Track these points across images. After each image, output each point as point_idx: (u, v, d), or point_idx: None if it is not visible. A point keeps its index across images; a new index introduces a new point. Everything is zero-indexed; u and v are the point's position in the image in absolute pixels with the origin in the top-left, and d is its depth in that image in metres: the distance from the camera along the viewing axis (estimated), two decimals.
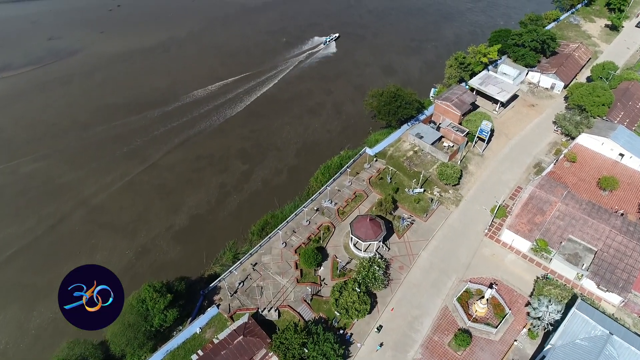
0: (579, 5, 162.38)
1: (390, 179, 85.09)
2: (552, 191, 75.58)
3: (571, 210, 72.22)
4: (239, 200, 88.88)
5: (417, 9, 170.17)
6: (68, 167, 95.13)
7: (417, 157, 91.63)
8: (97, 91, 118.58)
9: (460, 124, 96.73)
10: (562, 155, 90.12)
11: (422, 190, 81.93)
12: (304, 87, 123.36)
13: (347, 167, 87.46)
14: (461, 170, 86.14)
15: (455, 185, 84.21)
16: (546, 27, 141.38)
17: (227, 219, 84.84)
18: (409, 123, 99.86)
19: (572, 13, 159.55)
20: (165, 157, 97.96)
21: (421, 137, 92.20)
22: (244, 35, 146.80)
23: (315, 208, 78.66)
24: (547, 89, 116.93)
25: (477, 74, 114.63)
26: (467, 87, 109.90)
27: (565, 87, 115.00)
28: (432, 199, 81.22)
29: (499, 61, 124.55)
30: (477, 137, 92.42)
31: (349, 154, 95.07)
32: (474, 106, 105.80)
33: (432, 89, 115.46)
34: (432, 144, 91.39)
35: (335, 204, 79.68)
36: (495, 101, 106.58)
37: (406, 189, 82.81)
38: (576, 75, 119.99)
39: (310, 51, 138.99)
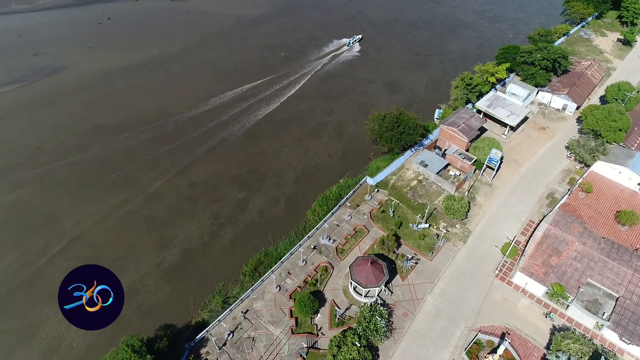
0: (590, 19, 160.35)
1: (393, 212, 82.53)
2: (567, 228, 72.86)
3: (589, 250, 69.48)
4: (233, 233, 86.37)
5: (422, 21, 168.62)
6: (51, 196, 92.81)
7: (421, 187, 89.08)
8: (84, 112, 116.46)
9: (467, 150, 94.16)
10: (577, 185, 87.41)
11: (427, 225, 79.33)
12: (305, 107, 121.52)
13: (347, 198, 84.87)
14: (469, 203, 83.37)
15: (462, 219, 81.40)
16: (556, 42, 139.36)
17: (219, 255, 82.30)
18: (412, 149, 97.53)
19: (583, 27, 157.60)
20: (157, 185, 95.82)
21: (426, 166, 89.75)
22: (241, 50, 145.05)
23: (312, 246, 76.10)
24: (558, 110, 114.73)
25: (484, 94, 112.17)
26: (474, 110, 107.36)
27: (577, 108, 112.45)
28: (438, 235, 78.50)
29: (507, 79, 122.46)
30: (486, 165, 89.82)
31: (349, 182, 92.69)
32: (482, 129, 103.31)
33: (437, 111, 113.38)
34: (438, 173, 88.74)
35: (334, 241, 77.07)
36: (504, 124, 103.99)
37: (410, 224, 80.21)
38: (589, 94, 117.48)
39: (310, 68, 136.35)
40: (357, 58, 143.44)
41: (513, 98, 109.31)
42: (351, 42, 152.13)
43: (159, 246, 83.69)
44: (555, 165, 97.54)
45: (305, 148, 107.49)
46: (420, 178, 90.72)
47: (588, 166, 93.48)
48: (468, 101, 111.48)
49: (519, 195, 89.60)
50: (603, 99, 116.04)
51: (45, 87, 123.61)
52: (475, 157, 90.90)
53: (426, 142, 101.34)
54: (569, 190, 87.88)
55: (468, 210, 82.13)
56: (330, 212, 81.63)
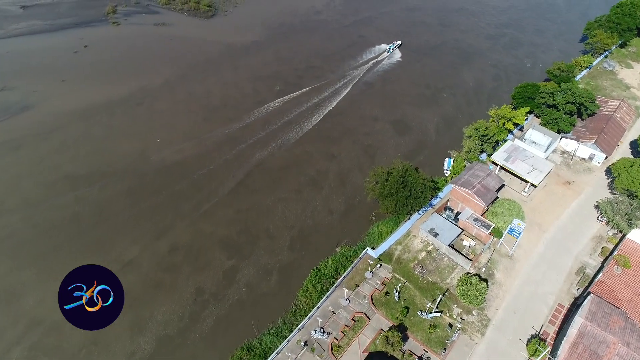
0: (613, 47, 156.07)
1: (398, 294, 76.99)
2: (606, 324, 67.11)
3: (634, 355, 63.53)
4: (217, 315, 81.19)
5: (431, 47, 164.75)
6: (10, 265, 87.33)
7: (431, 259, 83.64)
8: (53, 158, 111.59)
9: (483, 214, 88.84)
10: (612, 258, 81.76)
11: (438, 313, 73.49)
12: (303, 151, 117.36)
13: (344, 277, 79.47)
14: (487, 283, 77.74)
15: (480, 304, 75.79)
16: (577, 76, 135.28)
17: (199, 345, 76.81)
18: (420, 211, 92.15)
19: (605, 57, 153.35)
20: (132, 250, 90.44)
21: (436, 235, 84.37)
22: (231, 82, 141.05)
23: (302, 342, 70.21)
24: (584, 159, 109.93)
25: (500, 141, 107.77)
26: (490, 165, 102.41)
27: (606, 157, 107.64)
28: (451, 325, 72.70)
29: (525, 120, 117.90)
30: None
31: (347, 253, 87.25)
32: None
33: (447, 160, 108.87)
34: (450, 244, 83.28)
35: (329, 334, 71.33)
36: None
37: (419, 312, 74.40)
38: (619, 141, 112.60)
39: (308, 104, 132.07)
40: (361, 91, 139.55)
41: (533, 147, 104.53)
42: (391, 48, 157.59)
43: (132, 330, 78.21)
44: (584, 231, 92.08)
45: (304, 202, 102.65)
46: (429, 249, 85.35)
47: (623, 233, 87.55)
48: (482, 151, 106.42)
49: (544, 270, 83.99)
50: (635, 145, 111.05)
51: (9, 129, 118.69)
52: (494, 225, 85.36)
53: (435, 200, 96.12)
54: (602, 264, 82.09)
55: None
56: (325, 296, 75.82)
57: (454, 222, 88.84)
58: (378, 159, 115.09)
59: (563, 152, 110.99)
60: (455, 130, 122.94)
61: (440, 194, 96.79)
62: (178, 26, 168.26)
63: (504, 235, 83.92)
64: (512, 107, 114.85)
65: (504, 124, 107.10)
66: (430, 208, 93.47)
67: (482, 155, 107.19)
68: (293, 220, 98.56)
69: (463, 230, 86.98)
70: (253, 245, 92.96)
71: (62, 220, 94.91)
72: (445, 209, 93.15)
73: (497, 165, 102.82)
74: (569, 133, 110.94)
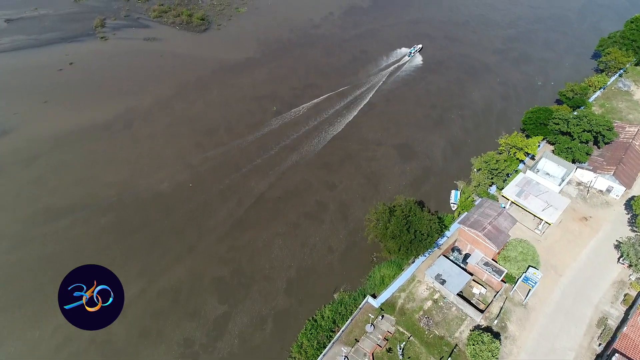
0: (628, 65, 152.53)
1: (402, 352, 72.83)
2: None
3: None
4: None
5: (436, 62, 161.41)
6: None
7: (437, 309, 79.68)
8: (32, 189, 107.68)
9: (494, 260, 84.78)
10: (636, 308, 77.63)
11: None
12: (302, 179, 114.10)
13: (342, 331, 75.37)
14: (500, 336, 73.53)
15: None
16: (591, 98, 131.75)
17: None
18: (425, 253, 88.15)
19: (620, 75, 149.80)
20: None
21: (443, 282, 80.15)
22: (224, 103, 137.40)
23: None
24: (601, 191, 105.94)
25: (510, 173, 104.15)
26: (502, 204, 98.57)
27: (626, 189, 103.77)
28: None
29: (538, 146, 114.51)
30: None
31: (346, 300, 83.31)
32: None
33: (454, 192, 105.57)
34: (459, 293, 79.13)
35: None
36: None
37: None
38: (639, 172, 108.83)
39: (306, 128, 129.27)
40: (363, 112, 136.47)
41: (547, 179, 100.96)
42: (412, 52, 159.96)
43: None
44: (604, 275, 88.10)
45: (302, 238, 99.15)
46: (436, 297, 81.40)
47: None
48: (492, 183, 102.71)
49: (561, 322, 79.94)
50: None
51: None
52: (506, 271, 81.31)
53: (442, 240, 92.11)
54: (626, 314, 77.92)
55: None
56: (322, 354, 71.62)
57: (462, 264, 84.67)
58: (382, 188, 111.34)
59: (578, 184, 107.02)
60: (463, 156, 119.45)
61: (447, 233, 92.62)
62: (169, 41, 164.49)
63: (517, 282, 79.95)
64: (523, 133, 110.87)
65: (515, 153, 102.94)
66: (436, 248, 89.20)
67: (491, 188, 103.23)
68: (290, 259, 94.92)
69: (472, 275, 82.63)
70: (247, 287, 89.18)
71: (39, 259, 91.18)
72: (453, 249, 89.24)
73: (508, 199, 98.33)
74: (584, 163, 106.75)
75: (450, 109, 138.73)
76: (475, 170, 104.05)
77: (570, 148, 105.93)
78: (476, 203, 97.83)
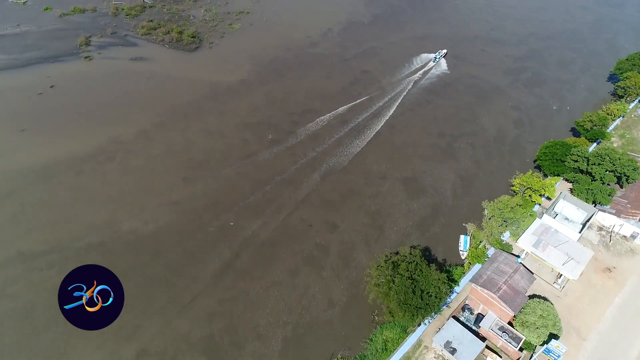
0: None
1: None
2: None
3: None
4: None
5: (444, 84, 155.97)
6: None
7: None
8: (5, 231, 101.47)
9: (510, 323, 78.26)
10: None
11: None
12: (300, 219, 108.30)
13: None
14: None
15: None
16: (610, 127, 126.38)
17: None
18: (432, 314, 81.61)
19: (639, 102, 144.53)
20: (94, 357, 79.77)
21: (453, 351, 73.66)
22: (216, 131, 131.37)
23: None
24: (625, 237, 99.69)
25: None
26: (519, 258, 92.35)
27: None
28: None
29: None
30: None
31: None
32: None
33: (463, 238, 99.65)
34: None
35: None
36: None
37: None
38: None
39: (305, 159, 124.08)
40: (367, 142, 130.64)
41: (566, 224, 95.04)
42: (437, 57, 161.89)
43: None
44: (633, 340, 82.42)
45: (300, 288, 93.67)
46: None
47: None
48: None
49: None
50: None
51: None
52: (524, 338, 74.75)
53: (451, 297, 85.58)
54: None
55: None
56: None
57: (474, 327, 78.11)
58: (387, 229, 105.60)
59: (600, 229, 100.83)
60: (474, 192, 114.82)
61: (457, 288, 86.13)
62: (157, 61, 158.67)
63: (537, 352, 73.39)
64: (539, 172, 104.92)
65: (530, 195, 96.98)
66: (445, 306, 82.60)
67: (505, 234, 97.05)
68: (287, 314, 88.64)
69: (486, 340, 75.95)
70: (239, 349, 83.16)
71: (10, 315, 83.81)
72: (464, 308, 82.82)
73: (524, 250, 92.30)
74: (607, 206, 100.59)
75: (460, 138, 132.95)
76: (486, 215, 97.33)
77: (591, 189, 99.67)
78: (488, 253, 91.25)
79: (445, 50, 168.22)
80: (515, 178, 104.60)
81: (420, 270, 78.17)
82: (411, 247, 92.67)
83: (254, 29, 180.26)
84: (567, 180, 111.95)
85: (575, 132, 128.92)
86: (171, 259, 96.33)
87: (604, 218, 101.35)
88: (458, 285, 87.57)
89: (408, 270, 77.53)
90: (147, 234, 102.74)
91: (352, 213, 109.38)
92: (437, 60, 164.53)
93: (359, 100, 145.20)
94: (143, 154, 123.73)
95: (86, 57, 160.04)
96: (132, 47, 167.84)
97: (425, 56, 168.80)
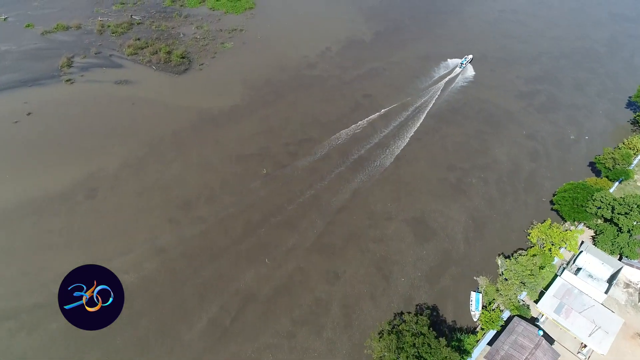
0: None
1: None
2: None
3: None
4: None
5: (452, 109, 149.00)
6: None
7: None
8: None
9: None
10: None
11: None
12: (297, 268, 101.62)
13: None
14: None
15: None
16: (632, 163, 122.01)
17: None
18: None
19: None
20: None
21: None
22: (206, 164, 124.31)
23: None
24: None
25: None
26: (539, 330, 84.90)
27: None
28: None
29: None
30: None
31: None
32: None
33: (475, 296, 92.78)
34: None
35: None
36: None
37: None
38: None
39: (303, 197, 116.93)
40: (370, 176, 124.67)
41: (590, 282, 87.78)
42: (464, 62, 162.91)
43: None
44: None
45: (298, 353, 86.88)
46: None
47: None
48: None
49: None
50: None
51: None
52: None
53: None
54: None
55: None
56: None
57: None
58: (394, 280, 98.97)
59: (627, 285, 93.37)
60: (487, 237, 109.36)
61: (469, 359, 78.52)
62: (143, 85, 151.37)
63: None
64: (561, 221, 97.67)
65: (549, 249, 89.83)
66: None
67: (522, 294, 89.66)
68: None
69: None
70: None
71: None
72: None
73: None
74: (635, 260, 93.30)
75: (471, 171, 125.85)
76: (501, 273, 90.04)
77: (617, 242, 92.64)
78: (503, 316, 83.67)
79: (471, 56, 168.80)
80: (532, 228, 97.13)
81: (428, 344, 70.38)
82: (417, 308, 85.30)
83: (247, 48, 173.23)
84: (587, 226, 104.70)
85: (596, 171, 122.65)
86: (152, 316, 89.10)
87: (631, 273, 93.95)
88: (470, 357, 79.55)
89: (414, 346, 69.54)
90: (126, 286, 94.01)
91: (355, 260, 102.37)
92: (464, 65, 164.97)
93: (360, 129, 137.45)
94: (125, 191, 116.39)
95: (67, 80, 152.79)
96: (117, 68, 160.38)
97: (431, 74, 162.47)
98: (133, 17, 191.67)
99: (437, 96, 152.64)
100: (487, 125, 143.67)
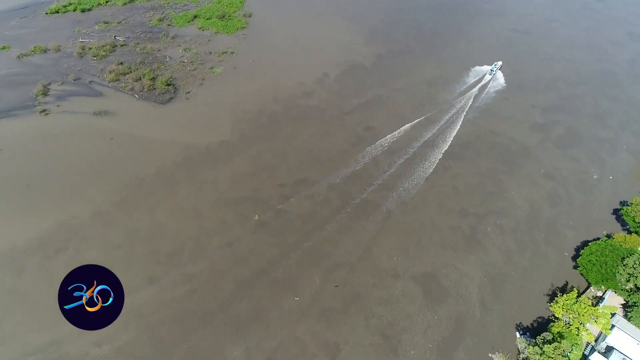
0: None
1: None
2: None
3: None
4: None
5: (463, 144, 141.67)
6: None
7: None
8: None
9: None
10: None
11: None
12: (291, 337, 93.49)
13: None
14: None
15: None
16: None
17: None
18: None
19: None
20: None
21: None
22: (191, 209, 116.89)
23: None
24: None
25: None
26: None
27: None
28: None
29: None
30: None
31: None
32: None
33: None
34: None
35: None
36: None
37: None
38: None
39: (301, 252, 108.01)
40: (375, 222, 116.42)
41: None
42: (493, 69, 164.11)
43: None
44: None
45: None
46: None
47: None
48: None
49: None
50: None
51: None
52: None
53: None
54: None
55: None
56: None
57: None
58: (403, 352, 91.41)
59: None
60: (506, 299, 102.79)
61: None
62: (124, 116, 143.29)
63: None
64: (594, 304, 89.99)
65: (576, 328, 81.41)
66: None
67: None
68: None
69: None
70: None
71: None
72: None
73: None
74: None
75: (485, 217, 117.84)
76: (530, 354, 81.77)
77: None
78: None
79: (500, 63, 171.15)
80: (555, 302, 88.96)
81: None
82: None
83: (239, 73, 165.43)
84: (613, 291, 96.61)
85: (623, 224, 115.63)
86: None
87: None
88: None
89: None
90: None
91: (359, 328, 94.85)
92: (494, 73, 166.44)
93: (362, 166, 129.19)
94: (100, 243, 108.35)
95: (42, 111, 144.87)
96: (97, 97, 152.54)
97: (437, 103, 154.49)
98: (117, 38, 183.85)
99: (451, 131, 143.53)
100: (501, 162, 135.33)
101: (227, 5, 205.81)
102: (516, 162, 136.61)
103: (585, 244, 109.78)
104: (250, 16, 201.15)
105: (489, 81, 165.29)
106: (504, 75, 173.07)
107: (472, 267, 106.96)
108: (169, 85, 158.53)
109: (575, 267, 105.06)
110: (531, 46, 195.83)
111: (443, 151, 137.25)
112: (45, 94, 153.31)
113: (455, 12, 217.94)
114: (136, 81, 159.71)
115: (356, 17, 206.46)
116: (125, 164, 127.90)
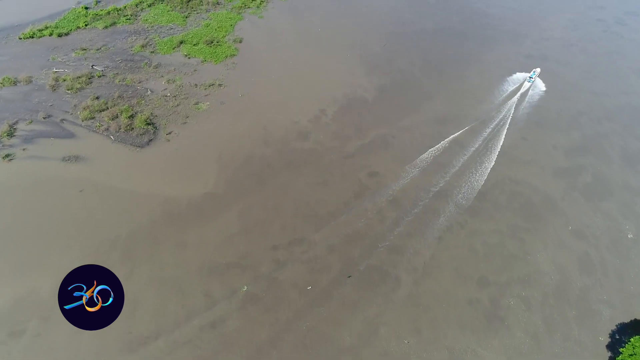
0: None
1: None
2: None
3: None
4: None
5: (479, 195, 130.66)
6: None
7: None
8: None
9: None
10: None
11: None
12: None
13: None
14: None
15: None
16: None
17: None
18: None
19: None
20: None
21: None
22: (170, 279, 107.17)
23: None
24: None
25: None
26: None
27: None
28: None
29: None
30: None
31: None
32: None
33: None
34: None
35: None
36: None
37: None
38: None
39: (296, 323, 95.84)
40: (382, 294, 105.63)
41: None
42: (532, 76, 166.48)
43: None
44: None
45: None
46: None
47: None
48: None
49: None
50: None
51: None
52: None
53: None
54: None
55: None
56: None
57: None
58: None
59: None
60: None
61: None
62: (97, 163, 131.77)
63: None
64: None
65: None
66: None
67: None
68: None
69: None
70: None
71: None
72: None
73: None
74: None
75: (507, 287, 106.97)
76: None
77: None
78: None
79: (539, 69, 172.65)
80: None
81: None
82: None
83: (226, 109, 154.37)
84: None
85: None
86: None
87: None
88: None
89: None
90: None
91: None
92: (533, 80, 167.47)
93: (366, 222, 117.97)
94: (64, 325, 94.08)
95: (6, 157, 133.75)
96: (68, 139, 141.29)
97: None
98: (94, 67, 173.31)
99: (468, 180, 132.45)
100: (523, 217, 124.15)
101: (216, 29, 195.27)
102: (540, 216, 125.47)
103: (621, 326, 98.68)
104: (240, 42, 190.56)
105: (529, 88, 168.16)
106: (521, 113, 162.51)
107: (495, 353, 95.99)
108: (148, 124, 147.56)
109: (612, 358, 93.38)
110: (549, 75, 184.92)
111: (457, 203, 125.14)
112: (11, 134, 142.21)
113: (465, 37, 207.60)
114: (112, 119, 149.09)
115: (356, 43, 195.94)
116: (96, 223, 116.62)
